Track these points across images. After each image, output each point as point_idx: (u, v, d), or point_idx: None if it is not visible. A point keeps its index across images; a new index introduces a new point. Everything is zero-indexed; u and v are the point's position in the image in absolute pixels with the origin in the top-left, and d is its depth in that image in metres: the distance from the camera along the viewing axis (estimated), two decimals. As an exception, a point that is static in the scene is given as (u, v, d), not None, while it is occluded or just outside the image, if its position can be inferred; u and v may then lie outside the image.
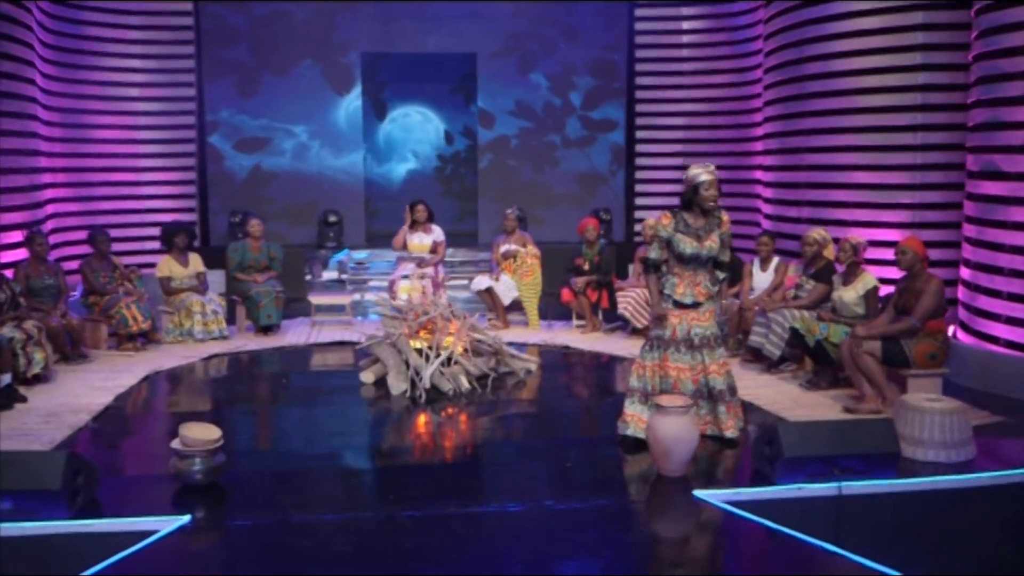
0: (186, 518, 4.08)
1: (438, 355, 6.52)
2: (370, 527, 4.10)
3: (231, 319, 8.64)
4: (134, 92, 10.60)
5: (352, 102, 11.67)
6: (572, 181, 11.86)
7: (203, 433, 4.61)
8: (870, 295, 6.32)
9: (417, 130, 13.73)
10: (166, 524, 4.00)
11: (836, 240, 6.80)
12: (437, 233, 9.20)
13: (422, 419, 6.02)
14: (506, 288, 8.94)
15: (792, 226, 8.92)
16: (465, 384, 6.51)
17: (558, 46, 11.77)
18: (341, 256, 11.00)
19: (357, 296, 10.04)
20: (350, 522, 4.15)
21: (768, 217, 9.65)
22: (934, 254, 7.03)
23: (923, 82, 7.91)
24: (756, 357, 7.25)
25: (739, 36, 11.03)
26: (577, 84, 11.87)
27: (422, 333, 6.82)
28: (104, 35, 10.26)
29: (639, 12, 11.48)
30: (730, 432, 5.15)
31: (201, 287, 8.55)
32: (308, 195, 11.55)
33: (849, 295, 6.40)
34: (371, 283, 10.61)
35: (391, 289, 9.04)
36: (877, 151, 8.19)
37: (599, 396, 6.89)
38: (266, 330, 8.60)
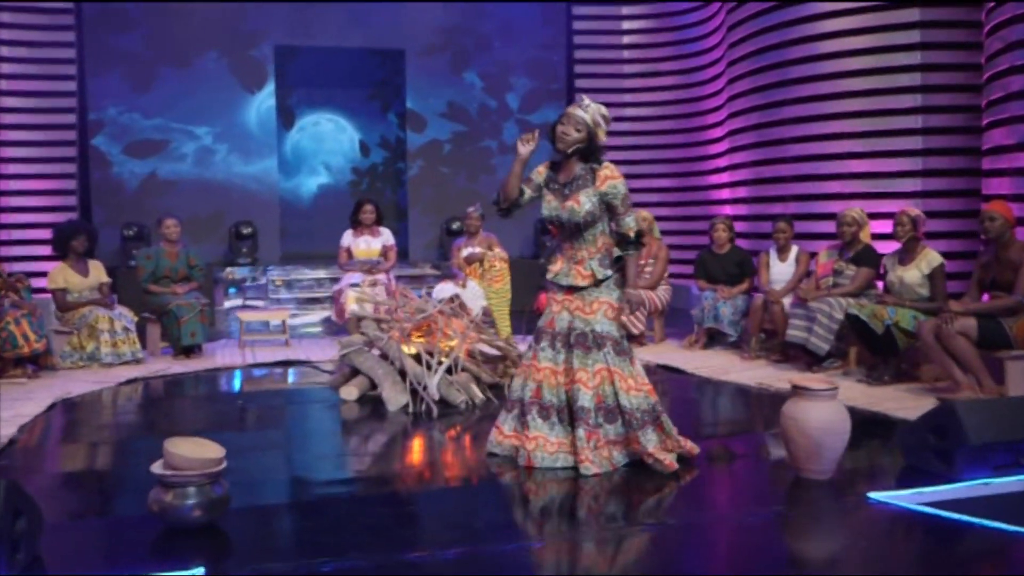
0: (198, 573, 2.72)
1: (440, 361, 5.30)
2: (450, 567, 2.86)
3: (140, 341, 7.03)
4: (0, 85, 8.86)
5: (264, 101, 10.25)
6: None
7: (199, 450, 3.23)
8: (937, 274, 5.57)
9: (329, 140, 12.35)
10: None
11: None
12: (386, 236, 7.98)
13: (442, 436, 4.76)
14: (473, 296, 7.73)
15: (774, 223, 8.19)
16: (478, 394, 5.31)
17: (493, 43, 10.81)
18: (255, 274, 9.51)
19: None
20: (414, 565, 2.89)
21: (744, 218, 8.91)
22: (940, 245, 6.40)
23: (922, 61, 7.40)
24: (787, 356, 6.40)
25: (687, 35, 10.41)
26: (514, 85, 10.92)
27: (415, 336, 5.57)
28: (-37, 14, 8.53)
29: (577, 10, 10.70)
30: (584, 467, 3.75)
31: (107, 300, 6.95)
32: (213, 206, 10.00)
33: (912, 274, 5.63)
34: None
35: (337, 301, 7.70)
36: (873, 137, 7.60)
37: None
38: (188, 351, 7.07)
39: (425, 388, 5.14)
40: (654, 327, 7.55)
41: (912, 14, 7.39)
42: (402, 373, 5.36)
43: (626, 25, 10.72)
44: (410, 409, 5.14)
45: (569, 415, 3.90)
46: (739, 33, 8.82)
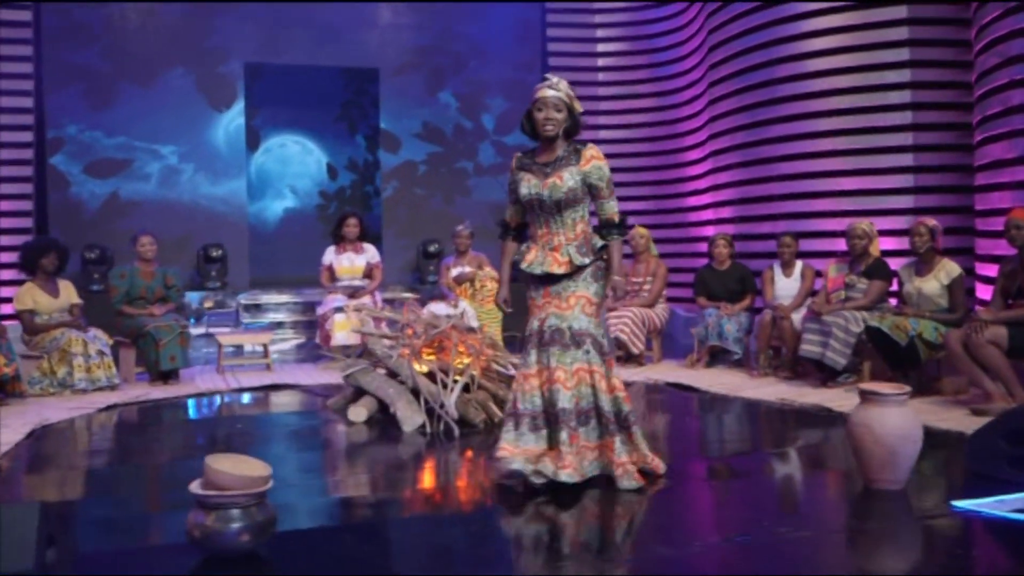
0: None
1: (455, 380, 5.01)
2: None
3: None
4: (-48, 101, 8.37)
5: (233, 119, 9.86)
6: (485, 212, 10.57)
7: (243, 467, 2.90)
8: (956, 284, 5.51)
9: (295, 163, 11.98)
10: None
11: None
12: (371, 253, 7.70)
13: (472, 456, 4.46)
14: (465, 316, 7.48)
15: (764, 243, 8.12)
16: (497, 413, 5.02)
17: (468, 63, 10.62)
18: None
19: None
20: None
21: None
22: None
23: (912, 79, 7.43)
24: (796, 372, 6.27)
25: (662, 57, 10.38)
26: (489, 105, 10.74)
27: (425, 353, 5.28)
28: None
29: (552, 32, 10.61)
30: (567, 474, 3.45)
31: (79, 322, 6.50)
32: (179, 228, 9.54)
33: (931, 285, 5.55)
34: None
35: (322, 326, 7.36)
36: (864, 154, 7.59)
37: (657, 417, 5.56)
38: (166, 377, 6.64)
39: (443, 407, 4.85)
40: (653, 347, 7.36)
41: (901, 32, 7.43)
42: (414, 392, 5.07)
43: (600, 47, 10.66)
44: (427, 429, 4.83)
45: (545, 420, 3.61)
46: (720, 54, 8.80)
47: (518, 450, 3.57)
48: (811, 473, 4.11)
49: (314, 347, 8.59)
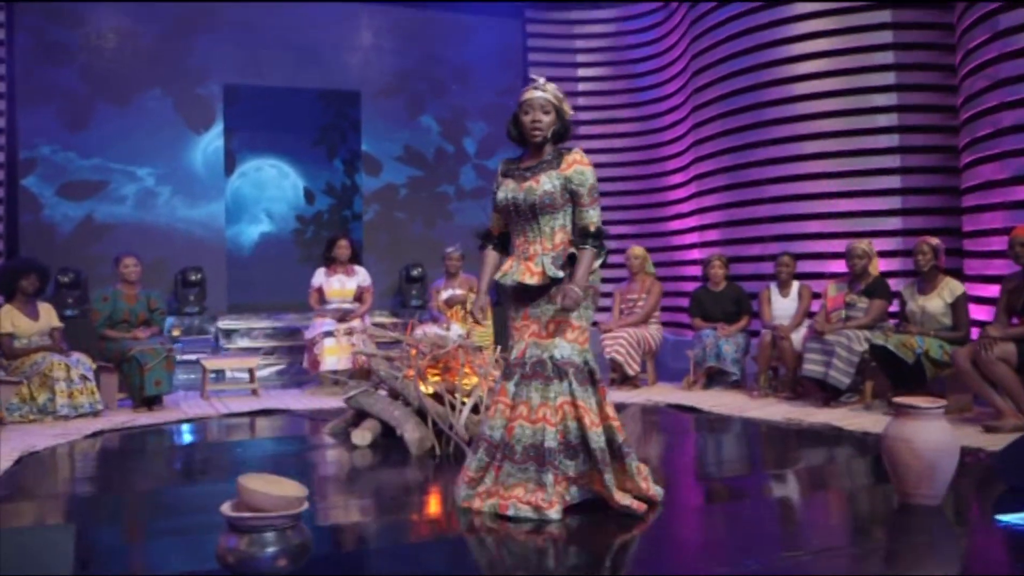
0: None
1: (463, 401, 4.88)
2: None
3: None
4: (-79, 119, 8.10)
5: (212, 142, 9.66)
6: (467, 237, 10.46)
7: (277, 488, 2.75)
8: (960, 303, 5.52)
9: (271, 187, 11.78)
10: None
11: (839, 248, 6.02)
12: (362, 276, 7.55)
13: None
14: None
15: (753, 265, 8.13)
16: (507, 434, 4.89)
17: (449, 88, 10.57)
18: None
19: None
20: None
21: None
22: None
23: (899, 102, 7.52)
24: (797, 392, 6.23)
25: (643, 83, 10.43)
26: (471, 130, 10.68)
27: (431, 373, 5.15)
28: None
29: (533, 57, 10.62)
30: (556, 510, 3.26)
31: (60, 346, 6.26)
32: (155, 252, 9.28)
33: (934, 304, 5.56)
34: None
35: (310, 351, 7.18)
36: (853, 176, 7.65)
37: (665, 439, 5.47)
38: (150, 402, 6.40)
39: (452, 428, 4.71)
40: (647, 369, 7.28)
41: (887, 57, 7.52)
42: (419, 414, 4.92)
43: (581, 72, 10.68)
44: (437, 452, 4.69)
45: (503, 455, 3.40)
46: (705, 78, 8.85)
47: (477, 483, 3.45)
48: (844, 490, 4.03)
49: (298, 372, 8.40)
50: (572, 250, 3.40)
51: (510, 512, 3.32)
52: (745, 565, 2.85)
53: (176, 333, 8.75)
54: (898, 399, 3.54)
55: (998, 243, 6.39)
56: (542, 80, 3.47)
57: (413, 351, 5.24)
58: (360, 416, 5.19)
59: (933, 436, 3.37)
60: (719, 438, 5.32)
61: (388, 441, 4.97)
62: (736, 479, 4.29)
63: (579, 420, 3.34)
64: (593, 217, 3.43)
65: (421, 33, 10.44)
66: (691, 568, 2.89)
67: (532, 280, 3.36)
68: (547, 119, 3.42)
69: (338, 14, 10.03)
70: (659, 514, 3.39)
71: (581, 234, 3.42)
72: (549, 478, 3.28)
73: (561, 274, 3.37)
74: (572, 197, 3.42)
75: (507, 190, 3.44)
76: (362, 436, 4.95)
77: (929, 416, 3.40)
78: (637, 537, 3.21)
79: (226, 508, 2.69)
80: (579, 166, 3.42)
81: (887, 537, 3.25)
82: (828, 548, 2.99)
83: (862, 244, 6.09)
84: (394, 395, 5.16)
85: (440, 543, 3.23)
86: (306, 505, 2.74)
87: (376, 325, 7.80)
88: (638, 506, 3.36)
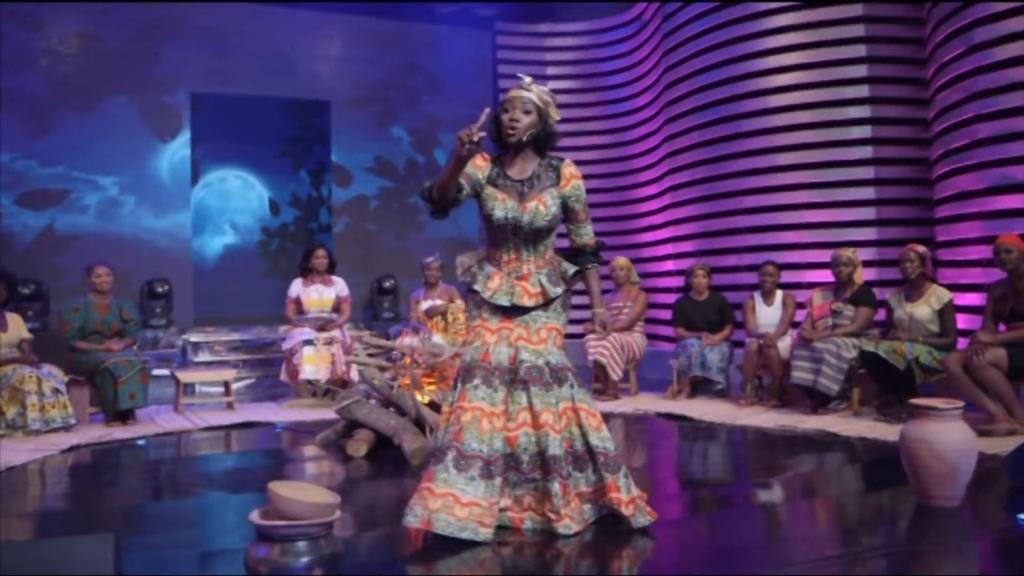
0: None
1: (460, 408, 4.78)
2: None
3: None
4: None
5: (178, 151, 9.43)
6: (439, 248, 10.39)
7: (314, 495, 2.64)
8: (947, 309, 5.59)
9: (236, 198, 11.54)
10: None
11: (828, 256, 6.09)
12: (340, 286, 7.42)
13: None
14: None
15: (730, 276, 8.18)
16: (507, 443, 4.80)
17: (420, 98, 10.49)
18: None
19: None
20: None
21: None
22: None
23: (872, 115, 7.65)
24: (783, 400, 6.26)
25: (614, 95, 10.49)
26: (442, 140, 10.61)
27: (426, 383, 5.05)
28: None
29: (503, 69, 10.61)
30: (564, 525, 3.11)
31: (31, 358, 6.01)
32: (119, 263, 8.88)
33: (922, 311, 5.63)
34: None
35: (289, 361, 7.02)
36: (827, 187, 7.75)
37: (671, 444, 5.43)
38: (124, 416, 6.18)
39: (452, 438, 4.61)
40: (630, 378, 7.25)
41: (860, 70, 7.64)
42: (416, 423, 4.82)
43: (552, 84, 10.64)
44: (437, 462, 4.58)
45: (502, 467, 3.16)
46: (679, 90, 8.92)
47: (459, 502, 3.05)
48: (859, 494, 4.03)
49: (271, 385, 8.20)
50: (566, 265, 3.37)
51: (526, 525, 3.22)
52: (790, 567, 2.81)
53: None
54: (916, 401, 3.55)
55: (975, 252, 6.52)
56: (528, 80, 3.33)
57: (407, 360, 5.14)
58: (351, 426, 5.06)
59: (955, 437, 3.38)
60: (715, 446, 5.29)
61: (383, 451, 4.85)
62: (749, 484, 4.26)
63: (580, 424, 3.24)
64: (591, 232, 3.41)
65: (392, 43, 10.37)
66: (747, 569, 2.84)
67: (531, 302, 3.26)
68: (526, 119, 3.26)
69: (309, 23, 9.91)
70: (707, 520, 3.34)
71: (583, 252, 3.40)
72: (556, 487, 3.15)
73: (559, 291, 3.30)
74: (568, 213, 3.35)
75: (506, 209, 3.25)
76: (357, 447, 4.82)
77: (948, 417, 3.41)
78: (675, 544, 3.16)
79: (255, 517, 2.58)
80: (576, 181, 3.34)
81: (908, 539, 3.23)
82: (870, 548, 2.96)
83: (847, 252, 6.15)
84: (385, 404, 5.05)
85: (461, 550, 3.14)
86: (339, 513, 2.64)
87: (371, 336, 7.67)
88: (650, 511, 3.26)
